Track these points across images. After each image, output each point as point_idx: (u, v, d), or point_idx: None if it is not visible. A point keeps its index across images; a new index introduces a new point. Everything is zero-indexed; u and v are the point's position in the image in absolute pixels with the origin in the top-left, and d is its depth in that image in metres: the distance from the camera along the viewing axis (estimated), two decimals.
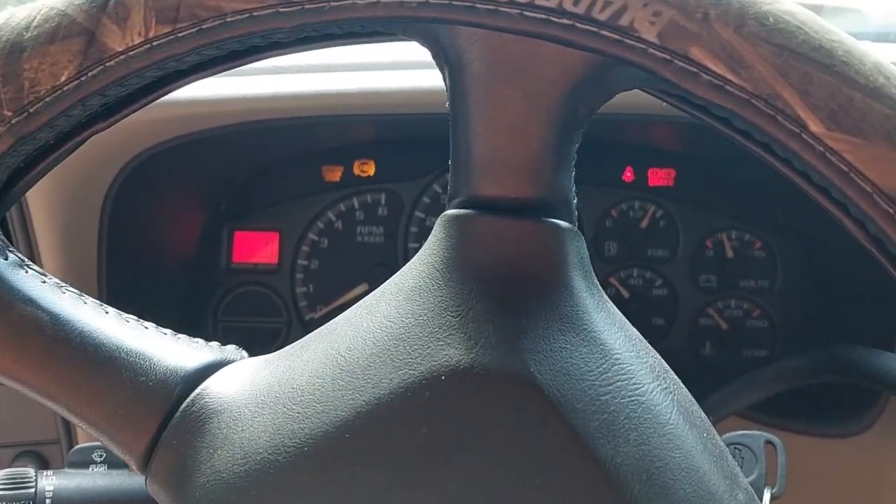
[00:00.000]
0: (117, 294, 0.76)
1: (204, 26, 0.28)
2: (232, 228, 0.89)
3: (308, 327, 0.86)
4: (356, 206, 0.88)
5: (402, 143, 0.87)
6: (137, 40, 0.29)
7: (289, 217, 0.88)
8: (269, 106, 0.72)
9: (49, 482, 0.47)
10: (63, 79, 0.29)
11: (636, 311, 0.87)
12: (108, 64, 0.29)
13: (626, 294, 0.87)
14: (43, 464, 0.75)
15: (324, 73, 0.73)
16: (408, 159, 0.88)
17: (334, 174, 0.88)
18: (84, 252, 0.73)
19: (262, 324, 0.88)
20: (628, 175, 0.88)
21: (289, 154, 0.87)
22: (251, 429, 0.32)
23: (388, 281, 0.34)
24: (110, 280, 0.75)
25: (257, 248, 0.88)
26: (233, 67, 0.33)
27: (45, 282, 0.35)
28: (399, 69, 0.74)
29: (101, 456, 0.49)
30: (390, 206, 0.88)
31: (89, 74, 0.29)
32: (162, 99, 0.72)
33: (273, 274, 0.88)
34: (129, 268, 0.78)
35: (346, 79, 0.73)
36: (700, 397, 0.69)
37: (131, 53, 0.29)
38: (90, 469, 0.49)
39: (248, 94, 0.71)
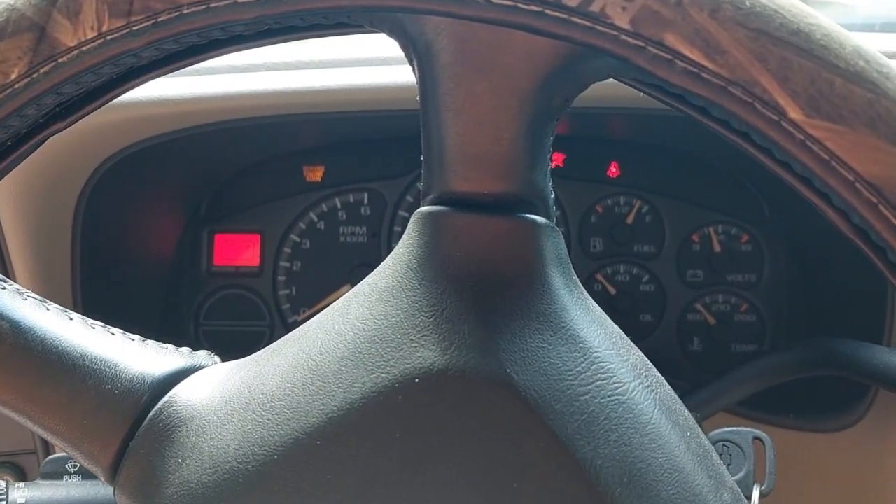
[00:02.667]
0: (94, 302, 0.75)
1: (159, 19, 0.27)
2: (212, 231, 0.87)
3: (291, 330, 0.85)
4: (338, 205, 0.87)
5: (384, 141, 0.86)
6: (90, 35, 0.28)
7: (270, 218, 0.87)
8: (247, 104, 0.71)
9: (21, 494, 0.46)
10: (13, 77, 0.28)
11: (623, 307, 0.86)
12: (59, 60, 0.28)
13: (612, 291, 0.86)
14: (20, 475, 0.73)
15: (303, 70, 0.72)
16: (390, 157, 0.87)
17: (315, 174, 0.87)
18: (58, 260, 0.72)
19: (245, 327, 0.87)
20: (613, 170, 0.87)
21: (268, 154, 0.86)
22: (220, 437, 0.32)
23: (361, 282, 0.34)
24: (86, 288, 0.74)
25: (238, 251, 0.87)
26: (194, 63, 0.32)
27: (4, 288, 0.34)
28: (383, 65, 0.73)
29: (74, 466, 0.48)
30: (373, 205, 0.87)
31: (41, 71, 0.28)
32: (134, 98, 0.70)
33: (255, 276, 0.87)
34: (105, 274, 0.77)
35: (326, 75, 0.72)
36: (689, 393, 0.69)
37: (84, 49, 0.28)
38: (64, 480, 0.48)
39: (225, 93, 0.69)
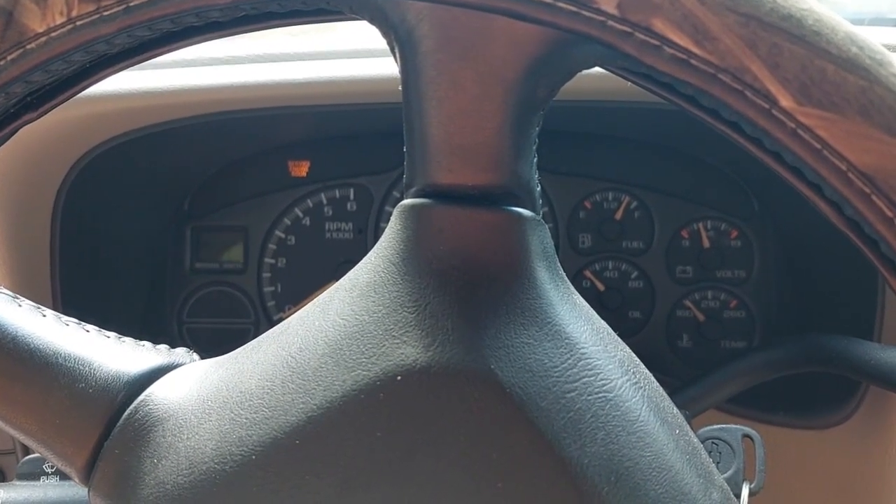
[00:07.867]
0: (75, 300, 0.73)
1: (131, 4, 0.26)
2: (196, 227, 0.86)
3: None
4: (324, 201, 0.87)
5: (371, 136, 0.85)
6: (59, 20, 0.27)
7: (254, 214, 0.86)
8: (231, 97, 0.70)
9: None
10: None
11: (612, 304, 0.85)
12: (28, 47, 0.27)
13: (601, 287, 0.86)
14: (0, 475, 0.72)
15: (287, 62, 0.71)
16: (376, 152, 0.86)
17: (301, 169, 0.86)
18: (38, 257, 0.71)
19: (230, 325, 0.86)
20: (601, 165, 0.86)
21: (253, 149, 0.85)
22: (197, 437, 0.31)
23: (343, 277, 0.33)
24: (66, 286, 0.72)
25: (223, 247, 0.86)
26: (169, 51, 0.31)
27: None
28: (370, 57, 0.72)
29: (51, 467, 0.47)
30: (359, 200, 0.86)
31: (8, 59, 0.27)
32: (114, 90, 0.69)
33: (239, 273, 0.86)
34: (86, 272, 0.76)
35: (311, 68, 0.71)
36: (678, 390, 0.69)
37: (53, 35, 0.27)
38: (41, 480, 0.47)
39: (208, 85, 0.68)
